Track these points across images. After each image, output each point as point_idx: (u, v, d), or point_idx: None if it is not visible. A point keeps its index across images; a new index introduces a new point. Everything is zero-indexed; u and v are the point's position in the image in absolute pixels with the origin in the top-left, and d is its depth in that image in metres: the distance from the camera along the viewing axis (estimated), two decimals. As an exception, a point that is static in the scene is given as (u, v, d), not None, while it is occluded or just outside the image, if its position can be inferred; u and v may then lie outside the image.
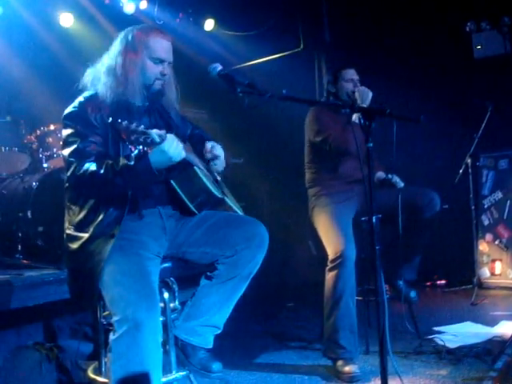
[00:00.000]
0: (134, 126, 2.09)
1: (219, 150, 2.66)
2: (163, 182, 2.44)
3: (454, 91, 5.30)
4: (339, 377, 3.11)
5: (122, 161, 2.22)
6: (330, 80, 3.62)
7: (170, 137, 2.20)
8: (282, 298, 5.17)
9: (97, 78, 2.46)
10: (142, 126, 2.11)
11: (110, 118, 2.24)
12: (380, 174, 3.65)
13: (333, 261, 3.18)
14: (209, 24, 6.07)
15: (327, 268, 3.22)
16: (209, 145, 2.65)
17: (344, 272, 3.14)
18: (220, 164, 2.68)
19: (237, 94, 2.20)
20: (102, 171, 2.22)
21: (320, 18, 5.84)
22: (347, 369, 3.10)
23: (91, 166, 2.25)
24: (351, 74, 3.56)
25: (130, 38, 2.46)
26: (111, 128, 2.29)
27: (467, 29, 5.36)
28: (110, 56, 2.48)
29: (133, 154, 2.22)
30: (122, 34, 2.50)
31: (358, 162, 3.51)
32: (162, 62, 2.46)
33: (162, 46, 2.45)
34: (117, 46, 2.48)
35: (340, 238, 3.19)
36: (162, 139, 2.15)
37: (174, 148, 2.20)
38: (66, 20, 5.50)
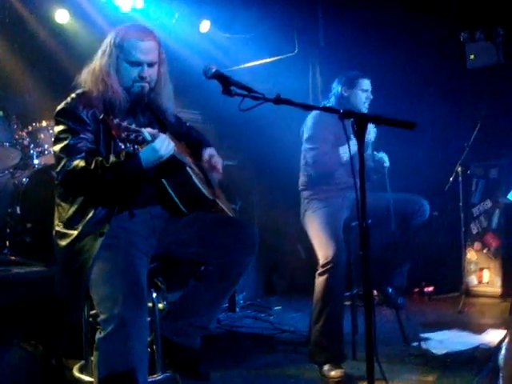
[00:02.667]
0: (126, 123, 2.10)
1: (217, 160, 2.66)
2: (154, 182, 2.43)
3: (447, 100, 5.32)
4: (325, 381, 3.12)
5: (112, 158, 2.22)
6: (346, 84, 3.59)
7: (162, 136, 2.20)
8: (269, 300, 5.17)
9: (86, 77, 2.46)
10: (134, 124, 2.11)
11: (102, 115, 2.24)
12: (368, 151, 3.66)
13: (323, 265, 3.19)
14: (204, 25, 6.06)
15: (317, 272, 3.23)
16: (206, 154, 2.64)
17: (334, 277, 3.15)
18: (217, 174, 2.68)
19: (231, 96, 2.20)
20: (91, 167, 2.22)
21: (315, 23, 5.85)
22: (333, 373, 3.11)
23: (81, 162, 2.24)
24: (368, 84, 3.59)
25: (109, 40, 2.44)
26: (103, 124, 2.29)
27: (461, 38, 5.39)
28: (95, 57, 2.48)
29: (123, 151, 2.21)
30: (108, 35, 2.49)
31: (351, 168, 3.54)
32: (139, 64, 2.40)
33: (138, 48, 2.39)
34: (101, 48, 2.47)
35: (331, 243, 3.20)
36: (154, 137, 2.15)
37: (165, 147, 2.21)
38: (62, 16, 5.48)
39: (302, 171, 3.65)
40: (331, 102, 3.68)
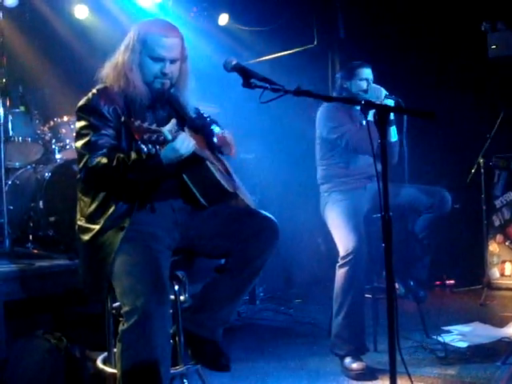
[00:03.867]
0: (146, 124, 2.09)
1: (228, 137, 2.66)
2: (174, 177, 2.44)
3: (468, 90, 5.27)
4: (347, 373, 3.12)
5: (134, 155, 2.23)
6: (344, 75, 3.59)
7: (182, 134, 2.20)
8: (290, 294, 5.18)
9: (108, 72, 2.47)
10: (155, 125, 2.11)
11: (123, 118, 2.25)
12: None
13: (343, 257, 3.19)
14: (223, 18, 6.06)
15: (338, 265, 3.23)
16: (218, 131, 2.64)
17: (354, 269, 3.15)
18: (228, 150, 2.67)
19: (252, 88, 2.20)
20: (113, 164, 2.23)
21: (334, 14, 5.81)
22: (355, 366, 3.11)
23: (103, 159, 2.26)
24: (367, 73, 3.54)
25: (132, 35, 2.43)
26: (124, 126, 2.30)
27: (482, 28, 5.31)
28: (118, 51, 2.47)
29: (144, 149, 2.21)
30: (131, 29, 2.48)
31: (370, 158, 3.52)
32: (161, 60, 2.39)
33: (161, 44, 2.38)
34: (123, 42, 2.47)
35: (351, 235, 3.19)
36: (175, 137, 2.15)
37: (185, 145, 2.20)
38: (81, 12, 5.53)
39: (318, 165, 3.63)
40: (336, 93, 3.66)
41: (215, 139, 2.63)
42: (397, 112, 3.26)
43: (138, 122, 2.08)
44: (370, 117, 2.38)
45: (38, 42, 5.53)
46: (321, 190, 3.58)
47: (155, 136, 2.10)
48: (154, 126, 2.10)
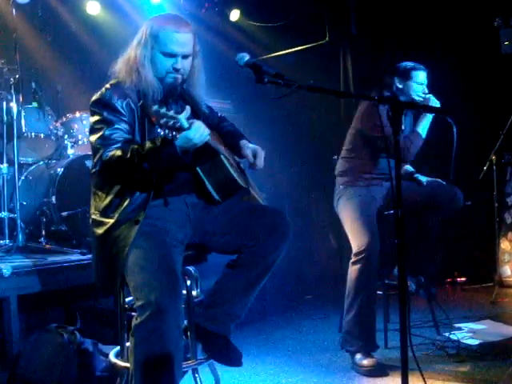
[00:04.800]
0: (164, 109, 2.10)
1: (261, 155, 2.61)
2: (189, 170, 2.44)
3: (481, 86, 5.23)
4: (357, 370, 3.13)
5: (148, 144, 2.23)
6: (398, 75, 3.43)
7: (197, 123, 2.20)
8: (301, 289, 5.18)
9: (120, 67, 2.48)
10: (172, 111, 2.11)
11: (141, 101, 2.25)
12: (407, 167, 3.61)
13: (357, 254, 3.18)
14: (234, 14, 6.05)
15: (351, 261, 3.22)
16: (250, 153, 2.60)
17: (367, 266, 3.14)
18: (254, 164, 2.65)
19: (264, 84, 2.19)
20: (127, 156, 2.23)
21: (346, 10, 5.77)
22: (366, 362, 3.11)
23: (117, 152, 2.26)
24: (423, 77, 3.43)
25: (144, 30, 2.43)
26: (141, 111, 2.31)
27: (495, 24, 5.27)
28: (131, 46, 2.48)
29: (161, 133, 2.22)
30: (144, 24, 2.49)
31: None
32: (173, 55, 2.40)
33: (173, 40, 2.37)
34: (136, 37, 2.47)
35: (365, 232, 3.18)
36: (191, 125, 2.16)
37: (199, 135, 2.20)
38: (93, 8, 5.55)
39: (343, 156, 3.52)
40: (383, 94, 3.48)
41: (248, 151, 2.60)
42: (413, 108, 3.20)
43: (156, 107, 2.10)
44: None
45: (50, 38, 5.55)
46: (336, 182, 3.49)
47: (172, 122, 2.11)
48: (171, 113, 2.11)
